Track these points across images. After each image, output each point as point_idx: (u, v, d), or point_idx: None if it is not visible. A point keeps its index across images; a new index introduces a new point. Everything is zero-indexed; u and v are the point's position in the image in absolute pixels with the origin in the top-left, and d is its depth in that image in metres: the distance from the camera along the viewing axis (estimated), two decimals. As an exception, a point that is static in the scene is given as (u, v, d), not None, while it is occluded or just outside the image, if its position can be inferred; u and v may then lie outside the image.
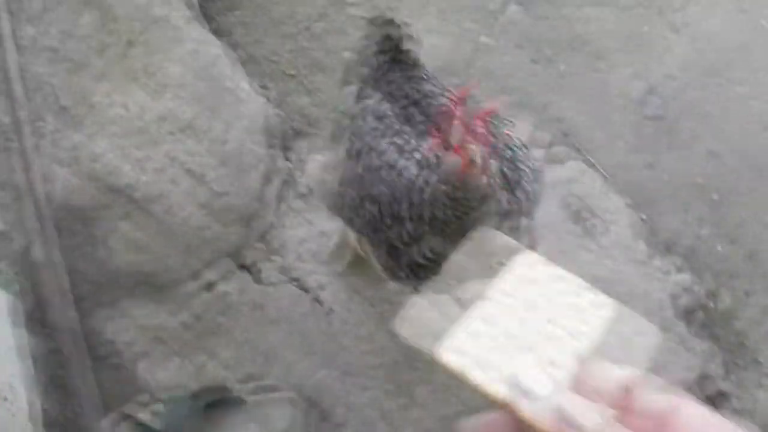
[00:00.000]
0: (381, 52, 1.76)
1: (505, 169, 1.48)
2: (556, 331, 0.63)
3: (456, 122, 1.15)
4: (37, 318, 2.23)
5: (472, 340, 0.63)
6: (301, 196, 2.41)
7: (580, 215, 2.41)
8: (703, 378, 2.28)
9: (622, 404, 0.57)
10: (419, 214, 1.44)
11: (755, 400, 2.28)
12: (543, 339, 0.62)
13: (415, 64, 1.77)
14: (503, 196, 1.41)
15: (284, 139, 2.47)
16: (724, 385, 2.29)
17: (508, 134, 1.62)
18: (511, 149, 1.57)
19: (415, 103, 1.66)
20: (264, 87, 2.54)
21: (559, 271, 0.69)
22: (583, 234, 2.39)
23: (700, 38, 2.63)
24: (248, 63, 2.57)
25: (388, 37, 1.75)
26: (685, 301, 2.33)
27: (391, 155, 1.55)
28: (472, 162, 1.18)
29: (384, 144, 1.58)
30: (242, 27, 2.62)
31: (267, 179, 2.40)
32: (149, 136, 2.40)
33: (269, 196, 2.39)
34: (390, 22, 1.76)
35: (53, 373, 2.20)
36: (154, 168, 2.37)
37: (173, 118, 2.42)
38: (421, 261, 1.51)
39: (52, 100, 2.43)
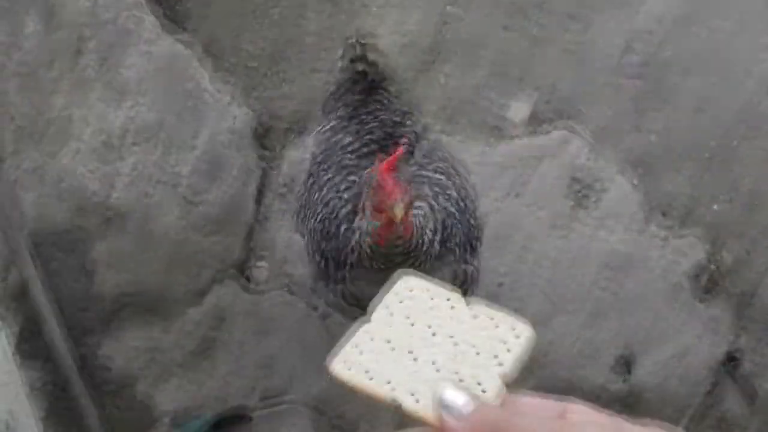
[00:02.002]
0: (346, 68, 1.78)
1: (438, 222, 1.54)
2: (434, 337, 0.67)
3: (379, 186, 1.28)
4: (33, 349, 2.14)
5: (357, 352, 0.67)
6: (280, 195, 2.30)
7: (570, 187, 2.33)
8: (712, 344, 2.24)
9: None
10: (350, 263, 1.53)
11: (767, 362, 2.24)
12: (420, 343, 0.66)
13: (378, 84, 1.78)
14: (434, 246, 1.48)
15: (255, 137, 2.35)
16: (736, 348, 2.24)
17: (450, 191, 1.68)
18: (451, 202, 1.65)
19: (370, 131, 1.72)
20: (227, 83, 2.40)
21: (432, 286, 0.72)
22: (575, 206, 2.31)
23: (673, -13, 2.53)
24: (207, 58, 2.42)
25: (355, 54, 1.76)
26: (686, 266, 2.27)
27: (328, 193, 1.62)
28: (393, 222, 1.30)
29: (324, 178, 1.66)
30: (197, 20, 2.46)
31: (242, 182, 2.29)
32: (114, 149, 2.28)
33: (247, 199, 2.29)
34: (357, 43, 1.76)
35: (53, 403, 2.13)
36: (123, 183, 2.25)
37: (136, 128, 2.29)
38: (351, 301, 1.63)
39: (7, 120, 2.29)
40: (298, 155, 2.33)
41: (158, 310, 2.19)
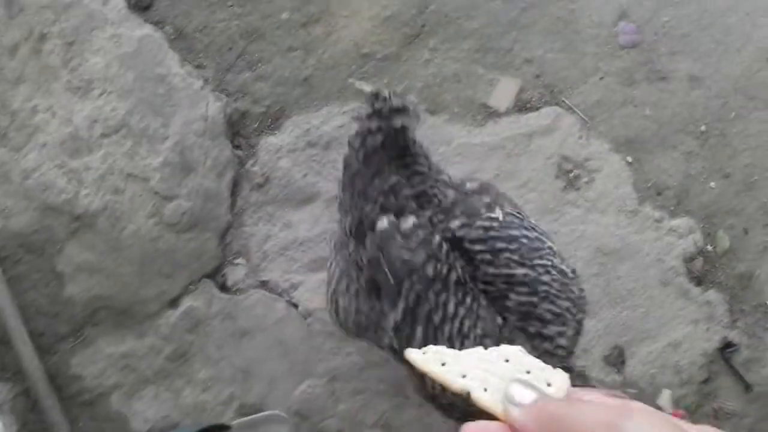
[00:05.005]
0: (371, 132, 1.52)
1: None
2: (513, 368, 0.70)
3: None
4: (0, 360, 2.06)
5: (435, 353, 0.72)
6: (258, 187, 2.20)
7: (561, 167, 2.22)
8: (708, 330, 2.16)
9: None
10: None
11: (765, 346, 2.17)
12: (495, 363, 0.71)
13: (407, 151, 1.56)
14: None
15: (230, 124, 2.24)
16: (732, 335, 2.16)
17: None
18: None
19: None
20: (199, 66, 2.28)
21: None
22: (567, 188, 2.21)
23: (669, -52, 2.39)
24: (177, 40, 2.29)
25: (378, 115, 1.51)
26: (682, 249, 2.18)
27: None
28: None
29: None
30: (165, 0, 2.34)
31: (217, 174, 2.19)
32: (82, 142, 2.17)
33: (223, 192, 2.18)
34: (378, 96, 1.51)
35: (25, 418, 2.05)
36: (92, 178, 2.15)
37: (105, 119, 2.18)
38: None
39: (-33, 114, 2.19)
40: (276, 142, 2.22)
41: (132, 314, 2.11)
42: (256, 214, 2.18)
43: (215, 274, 2.15)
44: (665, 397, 2.11)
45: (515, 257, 1.51)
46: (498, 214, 1.57)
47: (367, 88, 2.27)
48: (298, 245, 2.16)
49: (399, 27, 2.31)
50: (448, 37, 2.31)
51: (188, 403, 2.07)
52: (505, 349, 0.72)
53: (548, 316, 1.52)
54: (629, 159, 2.24)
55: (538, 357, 0.78)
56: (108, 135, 2.18)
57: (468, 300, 1.48)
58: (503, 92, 2.29)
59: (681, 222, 2.20)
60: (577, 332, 1.59)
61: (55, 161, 2.16)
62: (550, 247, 1.59)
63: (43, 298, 2.11)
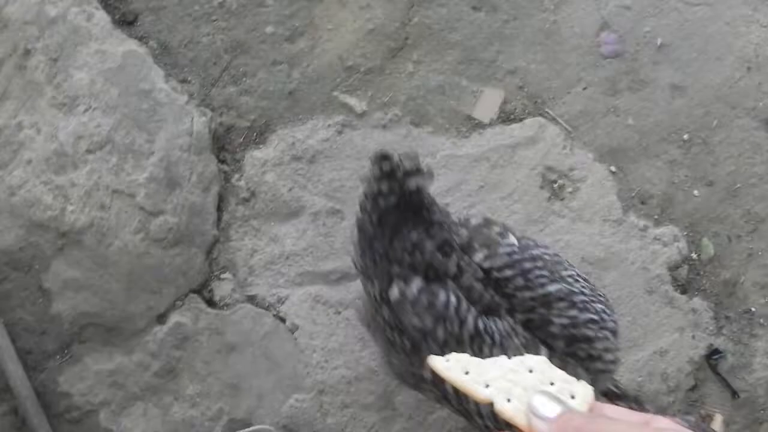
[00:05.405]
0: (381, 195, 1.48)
1: None
2: (537, 379, 0.71)
3: None
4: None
5: (459, 361, 0.73)
6: (244, 201, 2.20)
7: (546, 178, 2.24)
8: (694, 337, 2.17)
9: None
10: None
11: (751, 352, 2.18)
12: (519, 372, 0.72)
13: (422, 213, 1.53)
14: None
15: (215, 138, 2.24)
16: (718, 342, 2.18)
17: None
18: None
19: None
20: (184, 81, 2.28)
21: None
22: (551, 198, 2.23)
23: (649, -41, 2.41)
24: (162, 56, 2.30)
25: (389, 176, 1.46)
26: (666, 257, 2.20)
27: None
28: None
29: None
30: (150, 14, 2.33)
31: (203, 189, 2.19)
32: (67, 158, 2.17)
33: (208, 207, 2.19)
34: (386, 158, 1.45)
35: (12, 435, 2.05)
36: (78, 194, 2.15)
37: (90, 135, 2.18)
38: None
39: (-48, 131, 2.18)
40: (261, 156, 2.23)
41: (120, 331, 2.11)
42: (242, 229, 2.19)
43: (202, 289, 2.15)
44: (718, 421, 2.11)
45: (545, 273, 1.52)
46: (513, 239, 1.58)
47: (352, 101, 2.28)
48: (285, 259, 2.16)
49: (383, 40, 2.32)
50: (432, 49, 2.32)
51: (177, 419, 2.07)
52: (529, 359, 0.72)
53: (591, 332, 1.52)
54: (613, 168, 2.25)
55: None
56: (93, 151, 2.18)
57: (503, 340, 1.48)
58: (487, 104, 2.30)
59: (665, 230, 2.21)
60: (615, 332, 1.60)
61: (40, 178, 2.16)
62: (564, 259, 1.61)
63: (31, 315, 2.11)
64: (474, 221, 1.64)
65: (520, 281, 1.51)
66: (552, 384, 0.69)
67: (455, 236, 1.56)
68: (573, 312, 1.51)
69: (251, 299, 2.13)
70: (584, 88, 2.31)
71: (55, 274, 2.12)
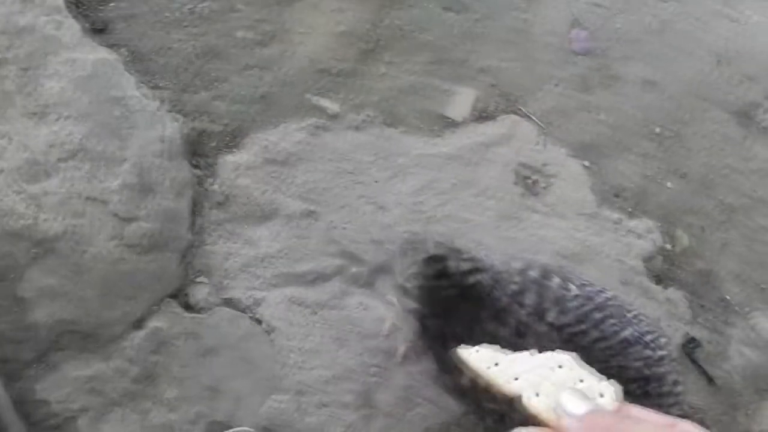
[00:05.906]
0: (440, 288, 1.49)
1: None
2: (567, 376, 0.71)
3: None
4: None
5: (489, 352, 0.73)
6: (218, 205, 2.20)
7: (519, 174, 2.24)
8: (670, 327, 2.18)
9: None
10: None
11: (727, 340, 2.19)
12: (548, 368, 0.71)
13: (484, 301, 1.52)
14: None
15: (188, 143, 2.24)
16: (694, 330, 2.18)
17: None
18: None
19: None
20: (155, 87, 2.28)
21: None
22: (525, 194, 2.23)
23: (618, -45, 2.42)
24: (133, 62, 2.30)
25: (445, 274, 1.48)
26: (641, 249, 2.20)
27: None
28: None
29: None
30: (120, 22, 2.33)
31: (177, 194, 2.18)
32: (39, 167, 2.16)
33: (183, 212, 2.18)
34: (443, 258, 1.47)
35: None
36: (51, 203, 2.14)
37: (62, 143, 2.17)
38: None
39: None
40: (235, 160, 2.22)
41: (97, 337, 2.09)
42: (217, 233, 2.18)
43: (178, 294, 2.14)
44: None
45: (615, 321, 1.50)
46: (575, 289, 1.54)
47: (325, 103, 2.28)
48: (260, 261, 2.16)
49: (354, 42, 2.33)
50: (403, 50, 2.33)
51: (156, 424, 2.05)
52: (559, 355, 0.72)
53: (662, 368, 1.50)
54: (586, 163, 2.26)
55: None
56: (65, 159, 2.17)
57: None
58: (460, 102, 2.31)
59: (639, 223, 2.22)
60: (675, 359, 1.59)
61: (12, 187, 2.14)
62: (621, 297, 1.58)
63: (6, 324, 2.09)
64: (532, 273, 1.58)
65: (594, 333, 1.48)
66: (581, 381, 0.69)
67: (517, 307, 1.51)
68: (648, 352, 1.50)
69: (227, 302, 2.13)
70: (556, 85, 2.32)
71: (30, 282, 2.10)
